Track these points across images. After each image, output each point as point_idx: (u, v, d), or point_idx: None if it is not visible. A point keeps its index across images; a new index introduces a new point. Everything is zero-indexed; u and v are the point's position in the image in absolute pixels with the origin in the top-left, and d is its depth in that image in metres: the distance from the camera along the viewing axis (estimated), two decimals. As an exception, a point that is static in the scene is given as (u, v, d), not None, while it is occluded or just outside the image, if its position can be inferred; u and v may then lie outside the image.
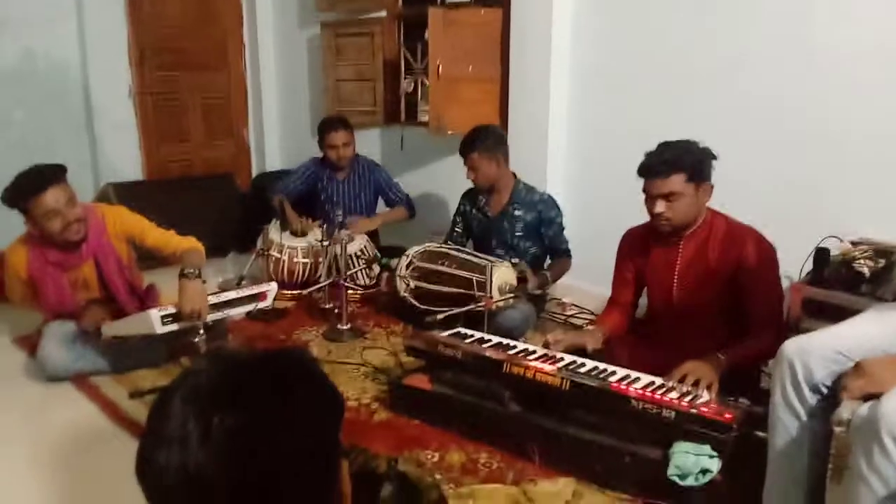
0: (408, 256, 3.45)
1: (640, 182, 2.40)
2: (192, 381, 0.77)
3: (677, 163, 2.30)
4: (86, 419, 2.60)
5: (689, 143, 2.34)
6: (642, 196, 2.41)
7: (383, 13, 4.61)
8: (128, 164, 4.85)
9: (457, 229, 3.73)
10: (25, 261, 2.84)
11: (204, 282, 2.83)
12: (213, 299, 2.82)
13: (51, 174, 2.72)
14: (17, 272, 2.86)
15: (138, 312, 2.82)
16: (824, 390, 1.69)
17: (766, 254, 2.35)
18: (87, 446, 2.42)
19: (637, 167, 2.38)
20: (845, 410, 1.57)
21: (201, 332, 2.76)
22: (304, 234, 3.95)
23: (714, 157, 2.35)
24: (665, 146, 2.35)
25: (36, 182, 2.69)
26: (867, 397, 1.55)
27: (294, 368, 0.82)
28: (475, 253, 3.38)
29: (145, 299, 3.09)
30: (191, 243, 2.99)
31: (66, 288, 2.91)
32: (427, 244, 3.53)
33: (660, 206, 2.35)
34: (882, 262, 2.45)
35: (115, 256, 2.96)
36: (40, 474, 2.26)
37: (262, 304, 3.02)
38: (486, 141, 3.38)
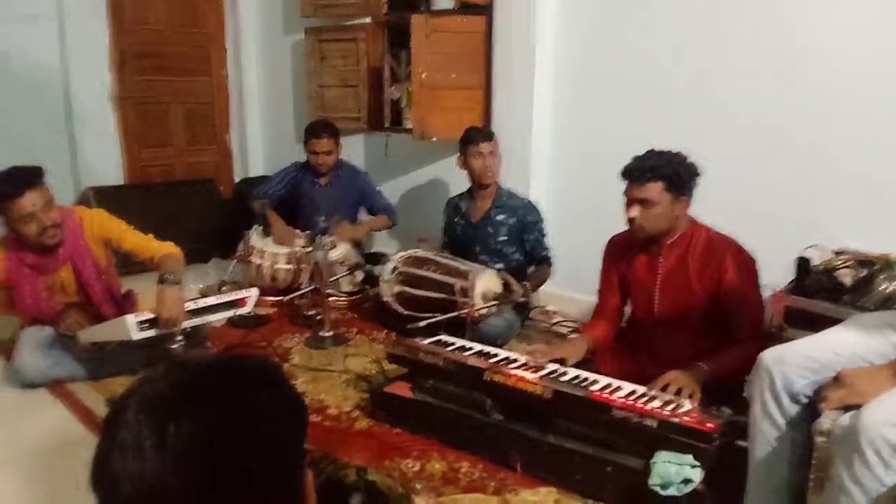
0: (393, 261, 3.44)
1: (623, 191, 2.41)
2: (148, 387, 0.75)
3: (659, 171, 2.31)
4: (62, 426, 2.55)
5: (677, 154, 2.35)
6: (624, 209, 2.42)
7: (368, 19, 4.59)
8: (109, 168, 4.79)
9: (446, 239, 3.73)
10: (2, 263, 2.79)
11: (182, 288, 2.79)
12: (191, 305, 2.79)
13: (28, 177, 2.67)
14: None
15: (115, 318, 2.78)
16: (804, 400, 1.69)
17: (746, 265, 2.36)
18: (62, 453, 2.37)
19: (621, 169, 2.39)
20: (826, 421, 1.57)
21: (179, 338, 2.73)
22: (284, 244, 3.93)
23: (698, 174, 2.36)
24: (652, 153, 2.36)
25: (12, 185, 2.64)
26: (847, 408, 1.55)
27: (254, 374, 0.80)
28: (461, 260, 3.37)
29: (123, 305, 3.05)
30: (169, 248, 2.95)
31: (43, 292, 2.86)
32: (413, 250, 3.52)
33: (634, 211, 2.36)
34: (864, 271, 2.46)
35: (93, 260, 2.92)
36: (15, 481, 2.21)
37: (241, 311, 2.99)
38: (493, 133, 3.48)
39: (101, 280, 2.96)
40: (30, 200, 2.65)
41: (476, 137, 3.42)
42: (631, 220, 2.39)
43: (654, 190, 2.31)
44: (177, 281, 2.75)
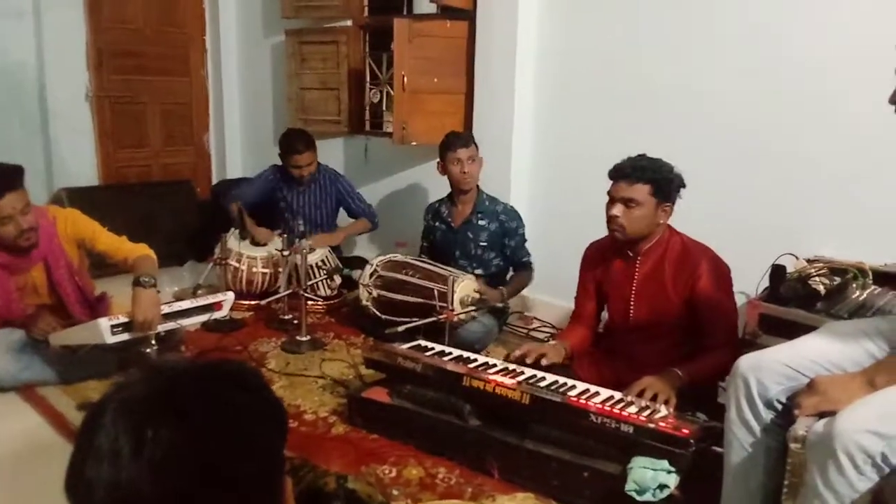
0: (372, 265, 3.42)
1: (603, 198, 2.43)
2: (124, 392, 0.73)
3: (647, 173, 2.33)
4: (32, 431, 2.50)
5: (665, 162, 2.38)
6: (604, 212, 2.43)
7: (349, 22, 4.59)
8: (83, 168, 4.72)
9: (425, 243, 3.72)
10: None
11: (158, 291, 2.76)
12: (166, 309, 2.75)
13: (9, 179, 2.62)
14: None
15: (88, 321, 2.74)
16: (779, 406, 1.70)
17: (720, 272, 2.38)
18: (32, 459, 2.32)
19: (610, 168, 2.40)
20: (801, 427, 1.58)
21: (153, 342, 2.69)
22: (263, 243, 3.90)
23: (683, 186, 2.38)
24: (643, 156, 2.38)
25: None
26: (821, 414, 1.57)
27: (233, 379, 0.78)
28: (440, 265, 3.36)
29: (96, 307, 3.00)
30: (143, 250, 2.91)
31: (14, 292, 2.81)
32: (392, 254, 3.51)
33: (616, 210, 2.37)
34: (837, 280, 2.49)
35: (66, 261, 2.87)
36: (-18, 487, 2.17)
37: (217, 314, 2.95)
38: (473, 138, 3.46)
39: (73, 281, 2.91)
40: (9, 203, 2.59)
41: (454, 143, 3.41)
42: (612, 219, 2.39)
43: (641, 191, 2.33)
44: (152, 283, 2.71)
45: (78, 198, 4.24)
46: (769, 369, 1.71)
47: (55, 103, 4.54)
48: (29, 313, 2.85)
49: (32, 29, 4.41)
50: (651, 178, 2.33)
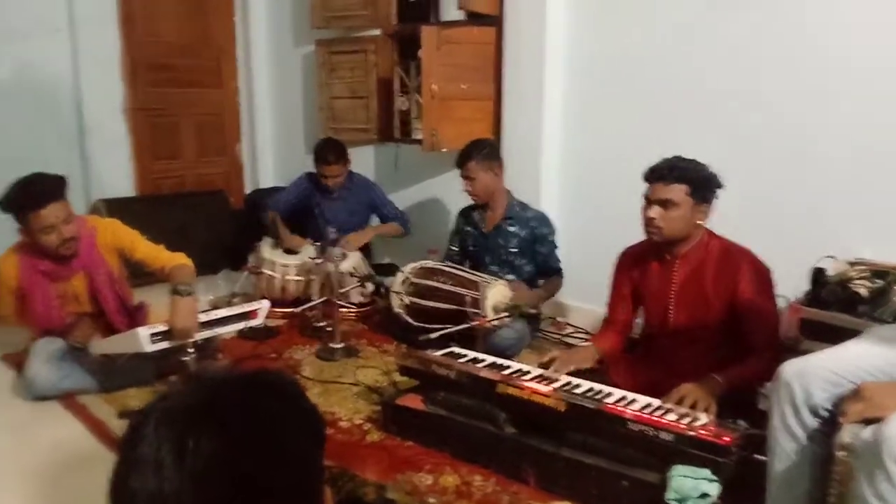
0: (404, 273, 3.43)
1: (634, 201, 2.40)
2: (166, 403, 0.74)
3: (684, 173, 2.31)
4: (73, 439, 2.54)
5: (700, 163, 2.35)
6: (636, 216, 2.41)
7: (378, 31, 4.61)
8: (119, 180, 4.81)
9: (453, 247, 3.72)
10: (16, 270, 2.81)
11: (196, 300, 2.79)
12: (203, 317, 2.79)
13: (53, 189, 2.69)
14: (7, 282, 2.83)
15: (127, 330, 2.79)
16: (824, 413, 1.67)
17: (761, 276, 2.34)
18: (74, 467, 2.37)
19: (643, 172, 2.38)
20: (847, 434, 1.55)
21: (191, 350, 2.72)
22: (297, 251, 3.93)
23: (720, 186, 2.35)
24: (678, 158, 2.36)
25: (38, 196, 2.65)
26: (868, 421, 1.53)
27: (272, 389, 0.79)
28: (471, 271, 3.36)
29: (135, 316, 3.05)
30: (181, 259, 2.96)
31: (55, 300, 2.87)
32: (423, 261, 3.51)
33: (654, 212, 2.35)
34: (879, 282, 2.43)
35: (106, 269, 2.93)
36: (26, 495, 2.20)
37: (253, 323, 2.99)
38: (482, 150, 3.41)
39: (113, 290, 2.97)
40: (52, 213, 2.66)
41: (459, 161, 3.43)
42: (649, 221, 2.37)
43: (678, 191, 2.31)
44: (190, 291, 2.75)
45: (115, 208, 4.31)
46: (814, 375, 1.67)
47: (91, 117, 4.64)
48: (69, 321, 2.91)
49: (68, 44, 4.51)
50: (688, 178, 2.30)
